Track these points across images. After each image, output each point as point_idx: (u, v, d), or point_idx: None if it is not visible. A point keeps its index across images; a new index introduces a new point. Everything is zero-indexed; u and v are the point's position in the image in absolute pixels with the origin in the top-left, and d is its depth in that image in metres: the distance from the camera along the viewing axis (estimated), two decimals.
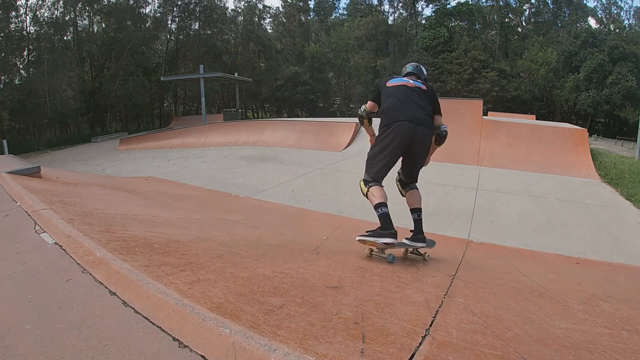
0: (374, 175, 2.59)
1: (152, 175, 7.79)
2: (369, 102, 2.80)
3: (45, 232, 2.00)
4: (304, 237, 3.51)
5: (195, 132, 13.97)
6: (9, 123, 23.79)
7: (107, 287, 1.43)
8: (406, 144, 2.56)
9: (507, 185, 6.42)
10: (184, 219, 3.35)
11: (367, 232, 2.50)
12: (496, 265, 3.10)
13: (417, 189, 2.84)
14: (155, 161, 10.17)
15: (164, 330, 1.17)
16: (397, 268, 2.41)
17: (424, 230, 2.73)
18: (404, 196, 2.87)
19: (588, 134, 9.64)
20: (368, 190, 2.55)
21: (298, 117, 34.46)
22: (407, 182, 2.83)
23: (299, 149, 10.42)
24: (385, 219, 2.44)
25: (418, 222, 2.72)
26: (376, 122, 2.73)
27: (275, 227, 3.91)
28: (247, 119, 29.36)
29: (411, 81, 2.72)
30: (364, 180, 2.62)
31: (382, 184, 2.61)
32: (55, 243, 1.85)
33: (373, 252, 2.58)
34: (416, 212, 2.75)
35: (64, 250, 1.77)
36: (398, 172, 2.88)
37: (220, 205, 5.03)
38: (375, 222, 2.59)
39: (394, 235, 2.44)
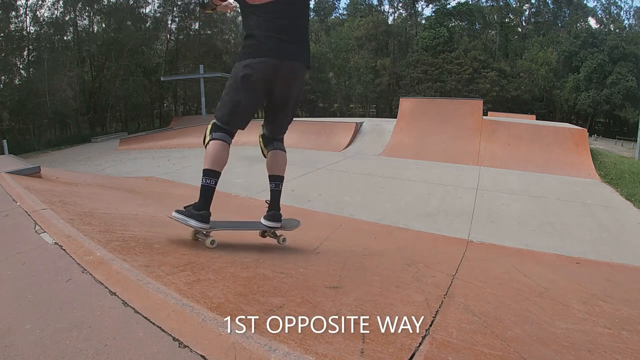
0: (228, 120, 2.01)
1: (152, 175, 7.79)
2: None
3: (45, 232, 2.00)
4: (304, 237, 3.51)
5: (195, 132, 13.96)
6: (9, 123, 23.81)
7: (107, 287, 1.43)
8: (267, 86, 2.05)
9: (507, 185, 6.42)
10: None
11: (184, 207, 2.03)
12: (496, 265, 3.10)
13: (283, 150, 2.27)
14: (155, 161, 10.17)
15: (164, 330, 1.17)
16: (397, 268, 2.41)
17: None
18: (265, 157, 2.33)
19: (588, 134, 9.65)
20: (209, 142, 1.98)
21: (298, 117, 34.44)
22: (271, 138, 2.29)
23: (298, 149, 10.42)
24: (208, 194, 1.98)
25: (274, 194, 2.23)
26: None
27: None
28: None
29: None
30: (214, 124, 2.02)
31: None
32: (55, 243, 1.85)
33: (198, 236, 2.09)
34: (274, 180, 2.24)
35: (64, 250, 1.77)
36: (262, 126, 2.31)
37: (220, 205, 5.01)
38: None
39: (205, 218, 1.98)
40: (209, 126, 2.03)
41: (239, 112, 2.03)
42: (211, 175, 1.96)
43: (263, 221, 2.25)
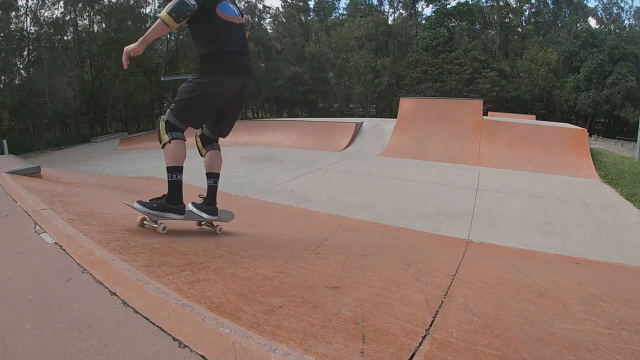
0: (188, 122, 2.15)
1: (152, 175, 7.79)
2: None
3: (45, 232, 2.00)
4: (304, 237, 3.51)
5: (194, 132, 13.93)
6: (9, 123, 23.81)
7: (107, 287, 1.43)
8: (230, 96, 2.26)
9: (507, 185, 6.42)
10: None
11: (151, 200, 2.17)
12: (496, 265, 3.10)
13: (219, 150, 2.48)
14: (155, 161, 10.17)
15: (164, 330, 1.17)
16: (397, 268, 2.41)
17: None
18: (202, 156, 2.49)
19: (588, 134, 9.65)
20: (170, 142, 2.08)
21: (298, 117, 34.47)
22: (213, 139, 2.47)
23: (299, 149, 10.42)
24: (179, 188, 2.11)
25: (213, 190, 2.40)
26: None
27: (275, 227, 3.91)
28: (247, 119, 29.37)
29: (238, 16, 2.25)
30: (168, 123, 2.09)
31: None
32: (55, 243, 1.85)
33: (145, 222, 2.22)
34: (213, 177, 2.40)
35: (64, 250, 1.77)
36: (203, 127, 2.46)
37: (220, 205, 5.02)
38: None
39: (182, 210, 2.19)
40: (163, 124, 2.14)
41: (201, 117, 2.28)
42: (180, 171, 2.16)
43: (196, 211, 2.37)
